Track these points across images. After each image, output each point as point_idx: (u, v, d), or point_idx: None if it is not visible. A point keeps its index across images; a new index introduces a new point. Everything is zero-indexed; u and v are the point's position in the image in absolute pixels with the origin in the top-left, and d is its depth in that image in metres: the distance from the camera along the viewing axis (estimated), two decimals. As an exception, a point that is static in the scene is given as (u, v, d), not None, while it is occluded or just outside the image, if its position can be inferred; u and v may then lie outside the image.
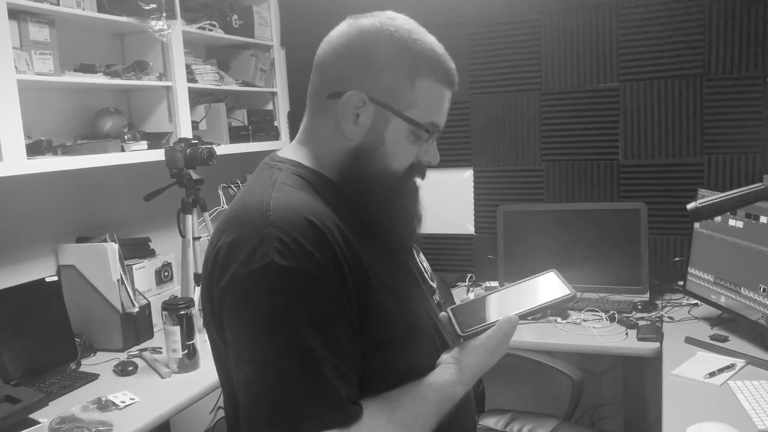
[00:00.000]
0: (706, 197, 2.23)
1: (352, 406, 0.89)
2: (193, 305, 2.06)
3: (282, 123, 3.16)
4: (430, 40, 1.02)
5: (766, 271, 1.95)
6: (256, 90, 3.03)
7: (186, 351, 2.02)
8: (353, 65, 0.99)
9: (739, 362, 1.83)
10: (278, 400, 0.85)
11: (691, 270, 2.31)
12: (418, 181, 1.08)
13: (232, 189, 3.02)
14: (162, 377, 2.00)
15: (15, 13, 1.90)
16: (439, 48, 1.02)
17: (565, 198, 2.80)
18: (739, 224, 2.07)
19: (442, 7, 2.86)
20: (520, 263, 2.63)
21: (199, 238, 2.42)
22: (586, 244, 2.60)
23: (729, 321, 2.15)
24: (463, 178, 2.98)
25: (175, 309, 2.02)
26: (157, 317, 2.32)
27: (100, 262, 2.23)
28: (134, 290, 2.33)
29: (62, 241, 2.31)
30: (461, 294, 2.67)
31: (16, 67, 1.86)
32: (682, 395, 1.69)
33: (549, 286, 1.07)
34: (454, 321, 1.03)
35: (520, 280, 1.11)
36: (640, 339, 2.12)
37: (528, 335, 2.26)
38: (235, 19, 2.86)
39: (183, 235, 2.39)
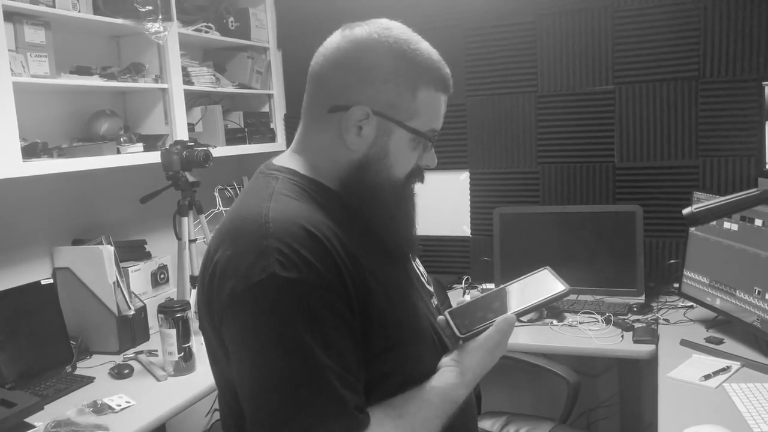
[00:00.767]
0: (702, 200, 2.25)
1: (360, 415, 0.89)
2: (189, 308, 2.06)
3: (278, 125, 3.16)
4: (426, 47, 1.02)
5: (761, 273, 1.95)
6: (253, 92, 3.03)
7: (182, 354, 2.02)
8: (353, 78, 0.98)
9: (735, 365, 1.84)
10: (285, 411, 0.85)
11: (686, 272, 2.32)
12: (416, 186, 1.08)
13: (228, 191, 3.02)
14: (158, 380, 2.00)
15: (10, 15, 1.90)
16: (435, 55, 1.03)
17: (560, 200, 2.80)
18: (734, 227, 2.08)
19: (438, 10, 2.86)
20: (516, 265, 2.63)
21: (195, 240, 2.42)
22: (582, 246, 2.60)
23: (724, 323, 2.16)
24: (459, 181, 2.98)
25: (171, 312, 2.01)
26: (152, 320, 2.32)
27: (96, 265, 2.22)
28: (130, 293, 2.33)
29: (58, 243, 2.31)
30: (457, 296, 2.68)
31: (11, 70, 1.86)
32: (678, 398, 1.70)
33: (544, 283, 1.08)
34: (452, 323, 1.04)
35: (514, 279, 1.11)
36: (635, 341, 2.13)
37: (524, 337, 2.26)
38: (232, 21, 2.86)
39: (179, 238, 2.39)
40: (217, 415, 2.65)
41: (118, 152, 2.27)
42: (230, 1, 2.94)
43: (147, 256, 2.53)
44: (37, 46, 1.98)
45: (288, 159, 1.05)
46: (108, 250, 2.24)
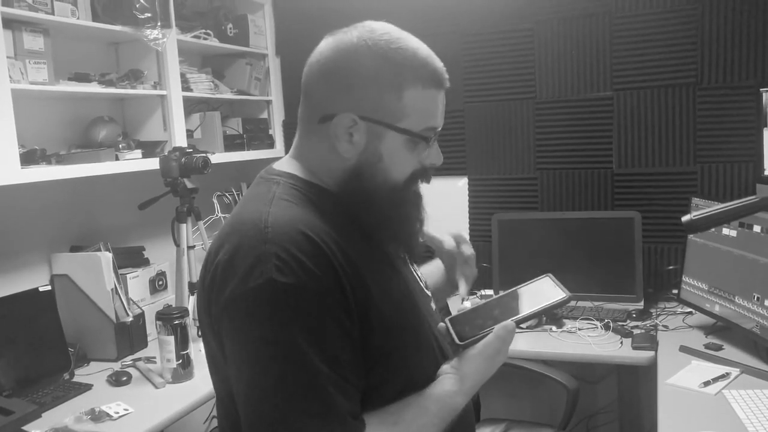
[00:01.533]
0: (700, 206, 2.26)
1: (355, 421, 0.89)
2: (188, 315, 2.06)
3: (277, 131, 3.16)
4: (412, 45, 0.98)
5: (760, 279, 1.95)
6: (251, 98, 3.03)
7: (180, 361, 2.01)
8: (337, 86, 0.97)
9: (734, 371, 1.84)
10: (281, 416, 0.85)
11: (685, 278, 2.32)
12: (421, 186, 1.07)
13: (227, 197, 3.01)
14: (156, 387, 1.99)
15: (9, 23, 1.90)
16: (423, 51, 0.99)
17: (559, 206, 2.81)
18: (733, 233, 2.08)
19: (437, 16, 2.87)
20: (514, 271, 2.63)
21: (194, 246, 2.41)
22: (581, 252, 2.60)
23: (723, 330, 2.16)
24: (458, 187, 2.98)
25: (170, 318, 2.01)
26: (151, 327, 2.31)
27: (94, 271, 2.22)
28: (128, 299, 2.32)
29: (56, 250, 2.30)
30: (456, 302, 2.67)
31: (10, 77, 1.86)
32: (678, 404, 1.70)
33: (545, 290, 1.08)
34: (451, 331, 1.03)
35: (516, 287, 1.11)
36: (634, 348, 2.13)
37: (523, 344, 2.26)
38: (230, 28, 2.86)
39: (177, 244, 2.39)
40: (215, 422, 2.64)
41: (117, 159, 2.27)
42: (229, 8, 2.95)
43: (145, 262, 2.53)
44: (35, 52, 1.98)
45: (288, 164, 1.05)
46: (106, 257, 2.23)
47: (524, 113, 2.82)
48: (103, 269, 2.21)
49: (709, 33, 2.51)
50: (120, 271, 2.32)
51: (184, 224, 2.37)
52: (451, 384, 0.99)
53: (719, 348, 2.04)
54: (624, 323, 2.34)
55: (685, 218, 1.08)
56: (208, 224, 2.69)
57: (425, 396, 0.98)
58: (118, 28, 2.22)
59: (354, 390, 0.90)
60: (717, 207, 1.07)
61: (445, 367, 1.02)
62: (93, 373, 2.13)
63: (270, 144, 3.10)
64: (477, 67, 2.86)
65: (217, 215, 2.92)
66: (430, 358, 1.04)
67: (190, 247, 2.39)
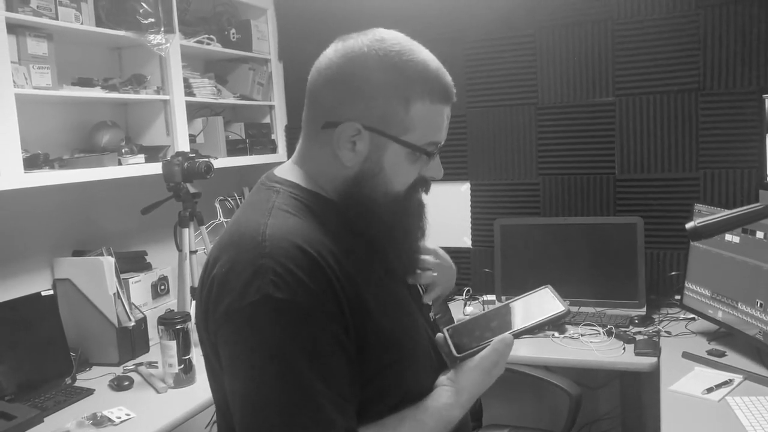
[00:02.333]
0: (702, 212, 2.25)
1: None
2: (190, 320, 2.05)
3: (279, 136, 3.16)
4: (423, 57, 0.97)
5: (763, 286, 1.95)
6: (254, 103, 3.03)
7: (182, 366, 2.01)
8: (344, 94, 0.96)
9: (737, 378, 1.83)
10: None
11: (687, 284, 2.32)
12: (422, 196, 1.06)
13: (230, 202, 3.02)
14: (158, 392, 1.99)
15: (13, 28, 1.90)
16: (433, 64, 0.98)
17: (561, 212, 2.80)
18: (736, 239, 2.07)
19: (439, 22, 2.87)
20: (516, 277, 2.63)
21: (196, 251, 2.41)
22: (583, 258, 2.60)
23: (726, 336, 2.15)
24: (460, 192, 2.98)
25: (172, 323, 2.01)
26: (153, 331, 2.31)
27: (96, 276, 2.22)
28: (130, 304, 2.32)
29: (58, 254, 2.31)
30: (458, 308, 2.67)
31: (14, 81, 1.86)
32: (680, 411, 1.69)
33: (543, 302, 1.08)
34: (450, 342, 1.03)
35: (515, 298, 1.11)
36: (637, 354, 2.12)
37: (525, 350, 2.25)
38: (233, 33, 2.87)
39: (180, 249, 2.39)
40: (216, 428, 2.64)
41: (120, 163, 2.28)
42: (232, 13, 2.96)
43: (147, 267, 2.53)
44: (39, 57, 1.99)
45: (289, 171, 1.04)
46: (108, 262, 2.24)
47: (526, 119, 2.82)
48: (105, 274, 2.22)
49: (712, 39, 2.51)
50: (122, 276, 2.32)
51: (187, 229, 2.37)
52: (447, 397, 0.99)
53: (722, 354, 2.03)
54: (626, 329, 2.34)
55: (689, 225, 1.08)
56: (210, 229, 2.69)
57: (422, 409, 0.97)
58: (121, 33, 2.23)
59: (350, 405, 0.90)
60: (721, 214, 1.07)
61: (442, 379, 1.01)
62: (95, 377, 2.13)
63: (272, 149, 3.10)
64: (479, 73, 2.87)
65: (219, 220, 2.92)
66: (427, 370, 1.03)
67: (192, 252, 2.39)
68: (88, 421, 1.76)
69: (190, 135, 2.62)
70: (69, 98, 2.21)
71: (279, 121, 3.17)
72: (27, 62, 1.95)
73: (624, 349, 2.19)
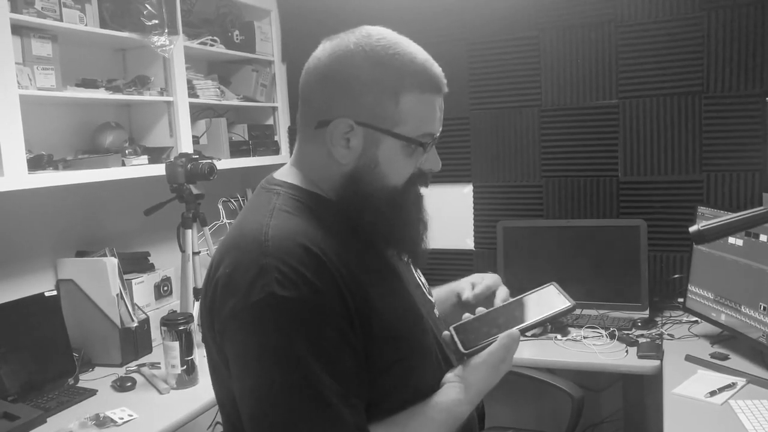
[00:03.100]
0: (706, 215, 2.25)
1: None
2: (192, 320, 2.06)
3: (282, 138, 3.17)
4: (409, 50, 0.98)
5: (767, 289, 1.94)
6: (257, 105, 3.04)
7: (185, 367, 2.01)
8: (334, 92, 0.97)
9: (740, 381, 1.83)
10: (284, 430, 0.85)
11: (690, 287, 2.31)
12: (421, 189, 1.06)
13: (233, 203, 3.02)
14: (160, 393, 1.99)
15: (18, 29, 1.91)
16: (421, 55, 0.99)
17: (564, 214, 2.80)
18: (739, 242, 2.07)
19: (442, 24, 2.87)
20: (520, 279, 2.63)
21: (199, 252, 2.42)
22: (586, 260, 2.60)
23: (729, 339, 2.15)
24: (463, 194, 2.98)
25: (174, 324, 2.01)
26: (155, 332, 2.31)
27: (100, 277, 2.22)
28: (133, 305, 2.33)
29: (61, 255, 2.31)
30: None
31: (18, 83, 1.87)
32: (684, 414, 1.69)
33: (549, 299, 1.08)
34: (456, 339, 1.03)
35: (520, 295, 1.11)
36: (640, 356, 2.12)
37: (528, 352, 2.25)
38: (237, 35, 2.87)
39: (183, 250, 2.39)
40: (219, 429, 2.64)
41: (123, 164, 2.28)
42: (235, 15, 2.96)
43: (150, 268, 2.53)
44: (43, 59, 1.99)
45: (288, 173, 1.05)
46: (111, 262, 2.24)
47: (529, 121, 2.82)
48: (108, 274, 2.22)
49: (715, 41, 2.50)
50: (125, 277, 2.33)
51: (190, 230, 2.37)
52: (456, 393, 0.99)
53: (725, 357, 2.03)
54: (629, 332, 2.33)
55: (693, 228, 1.08)
56: (213, 230, 2.69)
57: (430, 405, 0.97)
58: (125, 34, 2.23)
59: (359, 401, 0.90)
60: (725, 217, 1.06)
61: (450, 376, 1.02)
62: (98, 378, 2.13)
63: (275, 150, 3.11)
64: (482, 75, 2.87)
65: (222, 221, 2.93)
66: (434, 366, 1.03)
67: (195, 253, 2.39)
68: (90, 421, 1.76)
69: (194, 136, 2.62)
70: (73, 99, 2.22)
71: (282, 123, 3.17)
72: (31, 63, 1.96)
73: (627, 351, 2.18)
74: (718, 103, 2.53)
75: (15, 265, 2.18)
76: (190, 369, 2.02)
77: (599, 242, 2.59)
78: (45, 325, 2.09)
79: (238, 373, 0.90)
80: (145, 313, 2.36)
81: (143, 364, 2.20)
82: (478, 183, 2.95)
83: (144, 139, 2.52)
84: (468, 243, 3.00)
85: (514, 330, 1.02)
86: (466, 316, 1.09)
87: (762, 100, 2.34)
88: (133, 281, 2.37)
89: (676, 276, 2.62)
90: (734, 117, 2.51)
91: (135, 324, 2.28)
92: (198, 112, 2.78)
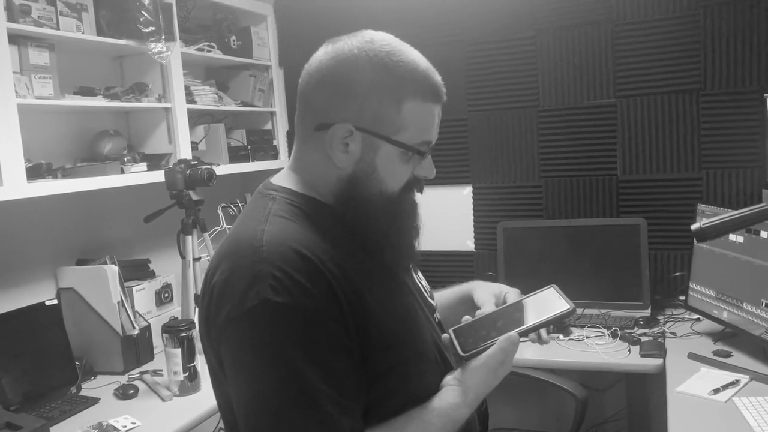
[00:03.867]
0: (705, 212, 2.25)
1: None
2: (194, 327, 2.05)
3: (281, 142, 3.17)
4: (412, 57, 0.98)
5: (768, 285, 1.95)
6: (255, 110, 3.04)
7: (187, 373, 2.01)
8: (336, 96, 0.97)
9: (744, 378, 1.83)
10: None
11: (692, 285, 2.31)
12: (416, 196, 1.06)
13: (232, 209, 3.02)
14: (163, 400, 1.99)
15: (15, 38, 1.91)
16: (423, 64, 0.99)
17: (564, 214, 2.80)
18: (740, 239, 2.07)
19: (439, 25, 2.87)
20: (520, 280, 2.62)
21: (200, 258, 2.42)
22: (587, 259, 2.60)
23: (731, 336, 2.15)
24: (462, 195, 2.98)
25: (176, 331, 2.01)
26: (157, 339, 2.31)
27: (100, 285, 2.22)
28: (134, 312, 2.32)
29: (62, 263, 2.31)
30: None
31: (16, 92, 1.87)
32: (688, 412, 1.69)
33: (549, 301, 1.08)
34: (455, 342, 1.03)
35: (520, 297, 1.11)
36: (643, 355, 2.12)
37: (530, 353, 2.25)
38: (234, 40, 2.88)
39: (183, 256, 2.39)
40: (222, 435, 2.63)
41: (122, 172, 2.28)
42: (232, 20, 2.96)
43: (151, 275, 2.53)
44: (41, 67, 2.00)
45: (285, 177, 1.05)
46: (112, 270, 2.24)
47: (527, 121, 2.82)
48: (109, 282, 2.22)
49: (712, 38, 2.51)
50: (126, 284, 2.32)
51: (190, 236, 2.37)
52: (454, 396, 0.99)
53: (728, 355, 2.03)
54: (631, 330, 2.33)
55: (694, 226, 1.08)
56: (213, 236, 2.69)
57: (429, 409, 0.97)
58: (122, 42, 2.23)
59: (356, 406, 0.90)
60: (726, 215, 1.06)
61: (449, 379, 1.01)
62: (100, 386, 2.13)
63: (274, 155, 3.11)
64: (480, 75, 2.87)
65: (222, 227, 2.92)
66: (433, 370, 1.03)
67: (195, 259, 2.39)
68: (93, 430, 1.76)
69: (192, 142, 2.62)
70: (71, 107, 2.22)
71: (280, 127, 3.17)
72: (29, 72, 1.96)
73: (629, 350, 2.18)
74: (716, 101, 2.53)
75: (15, 275, 2.17)
76: (192, 375, 2.02)
77: (599, 241, 2.59)
78: (46, 334, 2.08)
79: (234, 379, 0.90)
80: (147, 321, 2.35)
81: (145, 372, 2.20)
82: (477, 184, 2.95)
83: (143, 146, 2.52)
84: (468, 244, 3.00)
85: (513, 333, 1.01)
86: (466, 318, 1.09)
87: (760, 97, 2.34)
88: (134, 288, 2.36)
89: (677, 274, 2.62)
90: (732, 114, 2.51)
91: (136, 331, 2.27)
92: (196, 118, 2.78)
